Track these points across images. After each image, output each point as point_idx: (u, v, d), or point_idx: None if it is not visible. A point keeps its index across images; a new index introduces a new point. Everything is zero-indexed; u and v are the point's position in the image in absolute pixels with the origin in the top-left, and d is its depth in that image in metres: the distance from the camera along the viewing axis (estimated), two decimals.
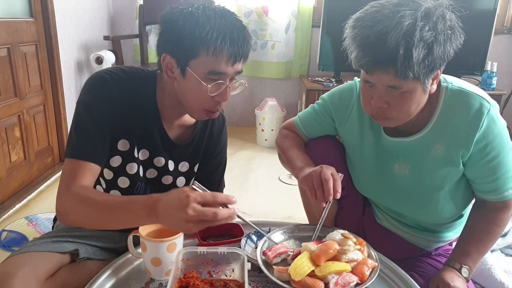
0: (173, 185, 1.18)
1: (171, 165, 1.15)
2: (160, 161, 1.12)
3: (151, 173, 1.14)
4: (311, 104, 1.28)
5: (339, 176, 1.03)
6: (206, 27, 0.93)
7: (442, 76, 1.04)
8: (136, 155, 1.08)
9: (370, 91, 0.98)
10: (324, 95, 1.25)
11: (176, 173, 1.17)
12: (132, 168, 1.09)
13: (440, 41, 0.88)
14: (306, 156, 1.19)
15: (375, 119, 1.03)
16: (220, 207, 0.80)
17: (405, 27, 0.85)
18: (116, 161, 1.07)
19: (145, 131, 1.08)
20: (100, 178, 1.11)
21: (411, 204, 1.15)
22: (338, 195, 0.99)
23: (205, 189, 0.86)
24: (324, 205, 1.00)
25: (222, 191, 1.31)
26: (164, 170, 1.14)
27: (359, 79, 1.13)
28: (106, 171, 1.09)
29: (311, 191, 1.01)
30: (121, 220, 0.90)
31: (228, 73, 0.98)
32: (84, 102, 1.01)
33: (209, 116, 1.05)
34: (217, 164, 1.27)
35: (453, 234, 1.23)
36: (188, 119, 1.15)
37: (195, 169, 1.21)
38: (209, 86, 0.97)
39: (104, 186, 1.13)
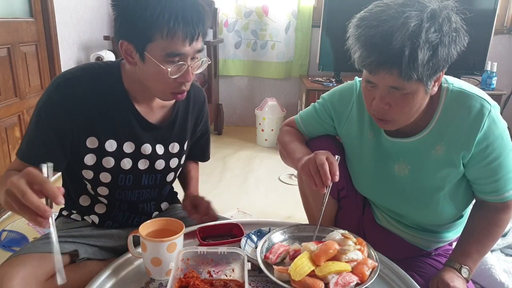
0: (167, 168, 1.18)
1: (160, 149, 1.14)
2: (147, 148, 1.11)
3: (144, 164, 1.13)
4: (312, 103, 1.28)
5: (335, 158, 1.02)
6: (157, 8, 0.90)
7: (443, 77, 1.03)
8: (109, 149, 1.07)
9: (372, 91, 0.98)
10: (325, 94, 1.24)
11: (167, 156, 1.16)
12: (109, 162, 1.08)
13: (445, 43, 0.87)
14: (307, 148, 1.18)
15: (376, 120, 1.03)
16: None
17: (411, 28, 0.85)
18: (90, 159, 1.07)
19: (121, 122, 1.07)
20: (84, 180, 1.11)
21: (411, 205, 1.15)
22: (336, 178, 0.98)
23: (49, 174, 0.78)
24: (325, 190, 0.99)
25: (205, 157, 1.38)
26: (154, 157, 1.14)
27: (359, 79, 1.13)
28: (84, 171, 1.09)
29: (310, 180, 1.00)
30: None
31: (187, 53, 0.96)
32: (38, 107, 1.02)
33: (176, 98, 1.04)
34: (203, 133, 1.30)
35: (453, 235, 1.23)
36: None
37: (185, 147, 1.21)
38: (169, 68, 0.95)
39: (90, 186, 1.13)
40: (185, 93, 1.04)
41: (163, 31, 0.91)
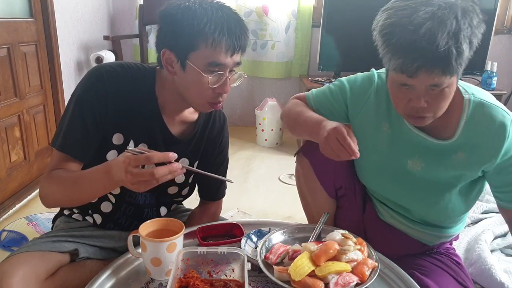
0: (172, 181, 1.17)
1: None
2: None
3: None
4: (327, 85, 1.25)
5: (325, 214, 1.06)
6: (204, 19, 0.95)
7: (463, 87, 1.05)
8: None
9: (406, 93, 0.96)
10: (342, 78, 1.21)
11: None
12: None
13: (476, 34, 0.89)
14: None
15: (409, 119, 1.01)
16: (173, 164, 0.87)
17: (452, 26, 0.86)
18: (112, 155, 1.08)
19: (144, 125, 1.08)
20: None
21: (421, 200, 1.15)
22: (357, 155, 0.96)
23: (142, 150, 0.88)
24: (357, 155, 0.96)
25: (224, 192, 1.31)
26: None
27: (377, 71, 1.14)
28: None
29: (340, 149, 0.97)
30: (89, 190, 0.97)
31: (227, 64, 1.00)
32: (76, 96, 1.04)
33: (213, 108, 1.06)
34: (218, 164, 1.27)
35: (455, 230, 1.24)
36: (189, 115, 1.15)
37: (195, 166, 1.21)
38: (209, 77, 0.98)
39: None
40: (221, 104, 1.07)
41: (208, 40, 0.95)
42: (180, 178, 1.18)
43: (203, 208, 1.31)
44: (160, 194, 1.20)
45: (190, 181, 1.22)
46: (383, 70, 1.14)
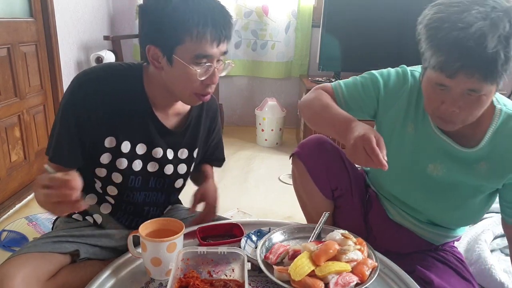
0: (176, 174, 1.18)
1: (170, 154, 1.15)
2: (158, 152, 1.12)
3: (153, 166, 1.14)
4: (354, 77, 1.19)
5: (325, 214, 1.06)
6: (186, 12, 0.94)
7: (495, 97, 1.03)
8: (124, 150, 1.08)
9: (441, 94, 0.92)
10: (374, 72, 1.15)
11: (176, 161, 1.18)
12: (122, 163, 1.09)
13: None
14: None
15: (439, 121, 0.99)
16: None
17: (504, 30, 0.82)
18: (106, 158, 1.08)
19: (138, 123, 1.08)
20: (95, 179, 1.12)
21: (435, 206, 1.14)
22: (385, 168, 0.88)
23: (55, 171, 0.84)
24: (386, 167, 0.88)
25: (221, 163, 1.39)
26: (164, 161, 1.15)
27: (410, 68, 1.11)
28: (98, 170, 1.09)
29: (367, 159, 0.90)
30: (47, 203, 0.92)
31: (214, 55, 0.99)
32: (62, 106, 1.04)
33: (201, 100, 1.06)
34: (214, 147, 1.32)
35: (461, 231, 1.25)
36: (181, 106, 1.15)
37: (194, 155, 1.22)
38: (198, 70, 0.98)
39: (100, 184, 1.13)
40: (210, 96, 1.06)
41: (193, 33, 0.94)
42: (183, 168, 1.19)
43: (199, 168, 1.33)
44: (170, 193, 1.21)
45: (191, 169, 1.24)
46: (415, 67, 1.12)
